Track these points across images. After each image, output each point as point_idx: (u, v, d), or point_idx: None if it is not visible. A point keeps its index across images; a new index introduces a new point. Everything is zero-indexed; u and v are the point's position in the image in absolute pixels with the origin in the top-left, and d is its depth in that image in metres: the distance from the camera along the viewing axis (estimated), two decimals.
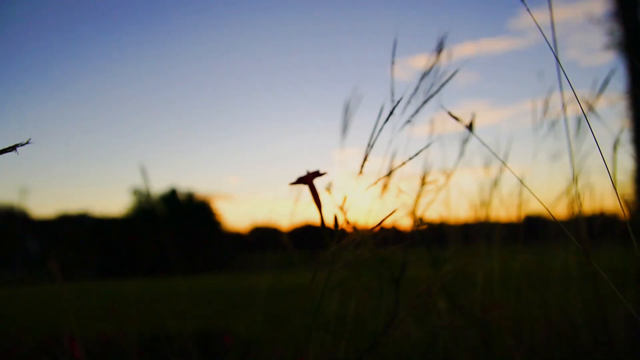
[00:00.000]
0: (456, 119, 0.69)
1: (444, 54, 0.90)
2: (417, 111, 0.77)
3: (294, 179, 0.79)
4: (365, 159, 0.73)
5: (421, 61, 0.95)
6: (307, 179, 0.78)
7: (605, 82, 1.09)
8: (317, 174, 0.79)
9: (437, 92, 0.77)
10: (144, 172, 1.33)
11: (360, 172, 0.73)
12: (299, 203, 1.31)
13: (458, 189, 1.91)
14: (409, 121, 0.76)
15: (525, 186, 0.67)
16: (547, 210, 0.61)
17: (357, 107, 1.00)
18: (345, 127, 1.05)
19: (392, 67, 0.75)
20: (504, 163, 0.85)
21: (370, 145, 0.73)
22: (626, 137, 5.02)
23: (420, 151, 0.72)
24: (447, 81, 0.78)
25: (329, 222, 0.78)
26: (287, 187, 1.46)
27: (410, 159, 0.72)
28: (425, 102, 0.77)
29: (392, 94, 0.79)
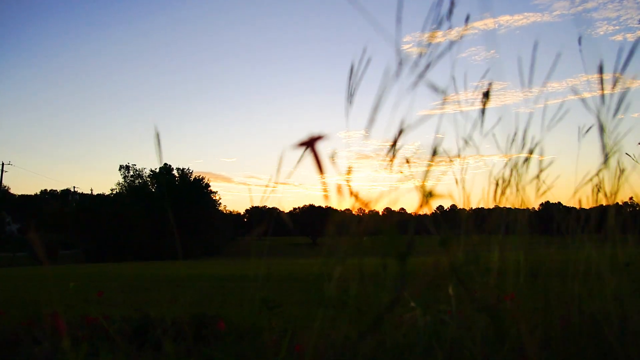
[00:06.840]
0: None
1: (457, 28, 0.89)
2: (426, 68, 0.76)
3: (296, 142, 0.80)
4: (371, 120, 0.73)
5: (431, 38, 0.94)
6: (310, 142, 0.78)
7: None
8: (319, 137, 0.79)
9: (448, 49, 0.76)
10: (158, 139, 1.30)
11: (366, 134, 0.73)
12: (300, 188, 1.30)
13: (473, 172, 1.91)
14: (421, 77, 0.75)
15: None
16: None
17: (365, 70, 0.98)
18: (351, 93, 1.03)
19: (398, 25, 0.74)
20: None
21: (376, 107, 0.72)
22: None
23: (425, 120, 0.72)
24: (458, 39, 0.78)
25: (331, 188, 0.79)
26: (289, 172, 1.45)
27: (418, 124, 0.72)
28: (436, 58, 0.76)
29: (400, 54, 0.78)
